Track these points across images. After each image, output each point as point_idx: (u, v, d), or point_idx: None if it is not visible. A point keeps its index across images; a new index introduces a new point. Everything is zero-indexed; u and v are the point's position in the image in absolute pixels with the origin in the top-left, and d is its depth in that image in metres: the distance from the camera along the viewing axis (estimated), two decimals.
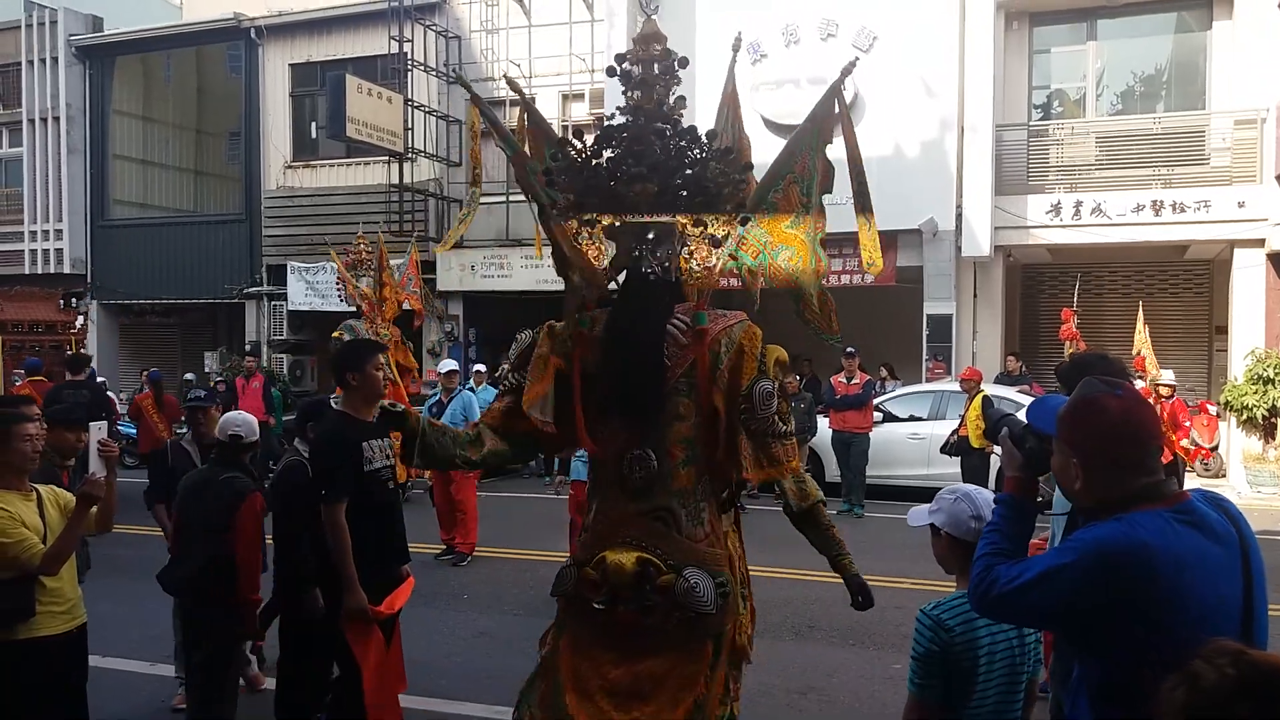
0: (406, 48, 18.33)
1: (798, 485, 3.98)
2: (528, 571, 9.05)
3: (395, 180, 18.47)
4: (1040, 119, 16.70)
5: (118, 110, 22.74)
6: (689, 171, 3.52)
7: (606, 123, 3.72)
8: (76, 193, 22.19)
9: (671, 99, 3.64)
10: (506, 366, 4.26)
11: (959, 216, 15.38)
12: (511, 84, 4.61)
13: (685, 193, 3.51)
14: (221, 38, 21.60)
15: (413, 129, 18.48)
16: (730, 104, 4.33)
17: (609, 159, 3.57)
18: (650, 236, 3.57)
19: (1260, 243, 14.50)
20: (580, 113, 18.23)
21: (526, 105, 4.34)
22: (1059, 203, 15.26)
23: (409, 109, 18.33)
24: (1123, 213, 14.85)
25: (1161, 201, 14.69)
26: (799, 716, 5.40)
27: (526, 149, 4.15)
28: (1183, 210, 14.57)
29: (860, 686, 5.85)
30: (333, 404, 5.52)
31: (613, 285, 3.76)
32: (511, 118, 16.63)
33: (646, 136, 3.53)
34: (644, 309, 3.56)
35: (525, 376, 3.67)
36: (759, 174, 3.96)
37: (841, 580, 3.94)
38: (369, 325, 12.20)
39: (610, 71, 3.65)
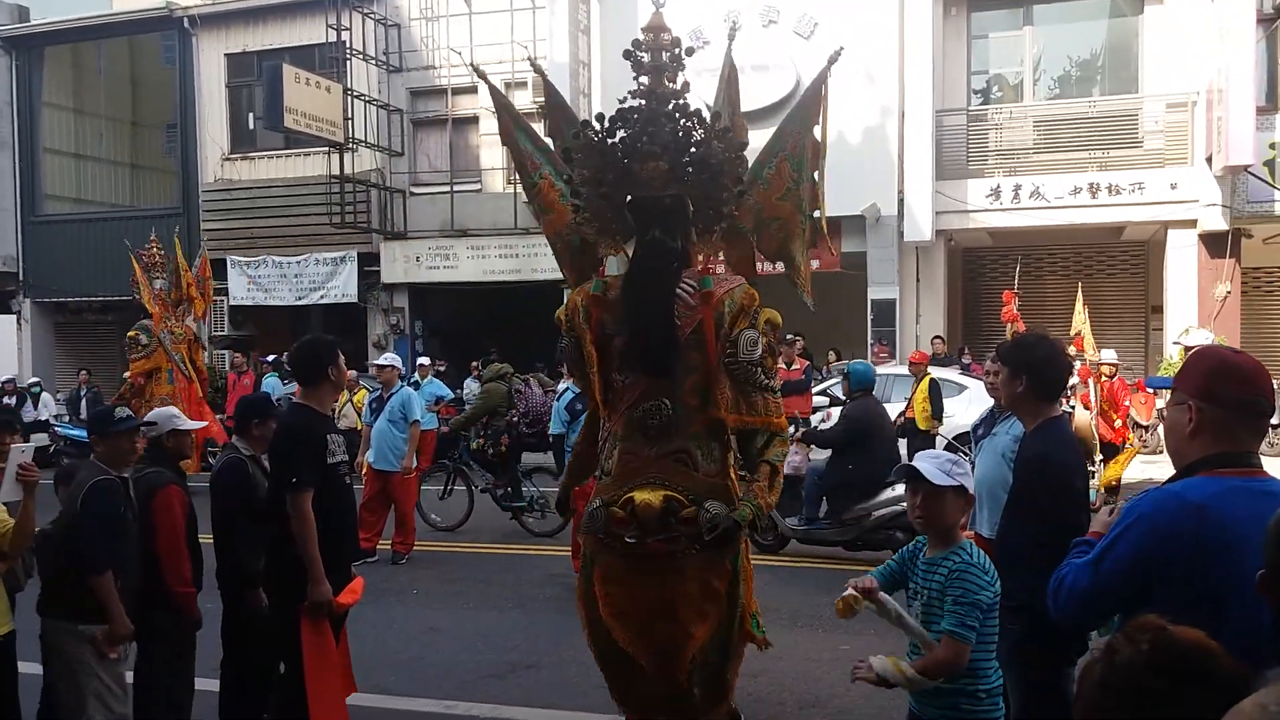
0: (345, 36, 18.06)
1: (767, 440, 4.23)
2: (478, 565, 9.01)
3: (336, 171, 18.21)
4: (979, 104, 16.91)
5: (48, 103, 22.15)
6: (695, 150, 3.91)
7: (620, 105, 4.09)
8: (5, 188, 21.59)
9: (678, 83, 4.05)
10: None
11: (901, 202, 15.55)
12: (536, 68, 5.16)
13: (692, 169, 3.91)
14: (154, 27, 21.13)
15: (353, 118, 18.24)
16: (729, 86, 4.73)
17: (623, 139, 3.97)
18: (662, 209, 3.96)
19: (1192, 223, 14.86)
20: (524, 100, 18.04)
21: (548, 86, 5.01)
22: (998, 186, 15.48)
23: (348, 98, 18.08)
24: (1060, 195, 15.12)
25: (1098, 184, 14.98)
26: (749, 699, 5.44)
27: (544, 129, 4.86)
28: (1118, 192, 14.88)
29: (808, 668, 5.92)
30: (276, 401, 5.50)
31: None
32: (456, 106, 16.42)
33: (658, 118, 3.92)
34: (656, 276, 3.98)
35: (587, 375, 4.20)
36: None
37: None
38: (162, 326, 12.51)
39: (626, 55, 4.05)
